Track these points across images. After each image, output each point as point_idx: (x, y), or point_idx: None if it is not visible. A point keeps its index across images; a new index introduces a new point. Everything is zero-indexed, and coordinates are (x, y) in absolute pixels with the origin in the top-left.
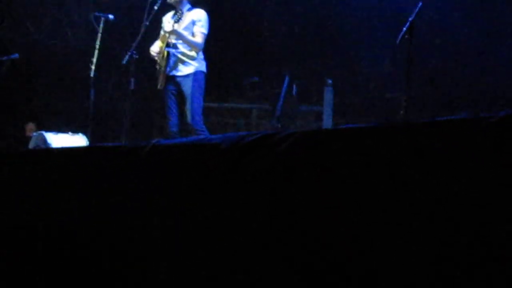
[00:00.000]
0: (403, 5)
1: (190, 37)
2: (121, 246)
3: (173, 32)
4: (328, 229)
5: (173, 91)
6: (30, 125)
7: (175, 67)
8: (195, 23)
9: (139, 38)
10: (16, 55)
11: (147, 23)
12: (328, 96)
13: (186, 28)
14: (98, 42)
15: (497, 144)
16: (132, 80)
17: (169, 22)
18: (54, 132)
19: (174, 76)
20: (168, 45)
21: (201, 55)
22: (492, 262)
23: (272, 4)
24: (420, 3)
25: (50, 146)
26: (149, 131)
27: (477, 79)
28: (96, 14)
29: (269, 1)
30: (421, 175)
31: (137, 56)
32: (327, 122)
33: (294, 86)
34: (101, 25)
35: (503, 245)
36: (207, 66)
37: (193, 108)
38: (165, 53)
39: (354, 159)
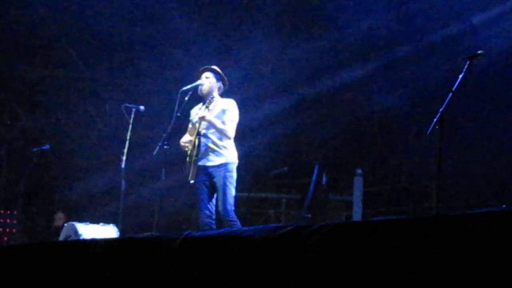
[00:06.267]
0: (433, 95)
1: (221, 125)
2: None
3: (204, 119)
4: None
5: (205, 182)
6: (59, 215)
7: (206, 156)
8: (225, 112)
9: (169, 129)
10: (47, 147)
11: (178, 114)
12: (358, 185)
13: (217, 117)
14: (129, 133)
15: None
16: (163, 170)
17: (197, 114)
18: (85, 223)
19: (206, 167)
20: (199, 133)
21: (232, 145)
22: None
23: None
24: (450, 94)
25: (81, 237)
26: (180, 221)
27: (508, 168)
28: (127, 105)
29: (297, 92)
30: (453, 269)
31: (167, 147)
32: (357, 211)
33: (324, 176)
34: (132, 116)
35: None
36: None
37: (225, 198)
38: (196, 141)
39: (386, 253)
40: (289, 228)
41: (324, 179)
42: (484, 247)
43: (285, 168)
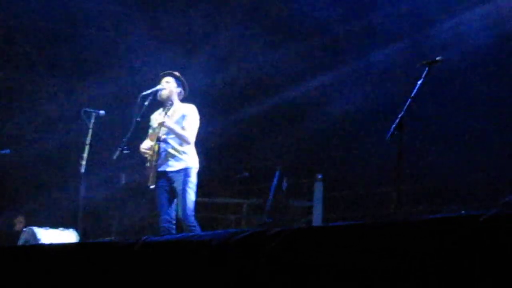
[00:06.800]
0: (393, 102)
1: (180, 131)
2: None
3: (163, 125)
4: None
5: (165, 187)
6: (20, 219)
7: (166, 161)
8: (185, 117)
9: (129, 133)
10: (7, 151)
11: (138, 119)
12: (318, 190)
13: (176, 123)
14: (88, 138)
15: (486, 241)
16: (123, 175)
17: (156, 120)
18: (44, 228)
19: (166, 172)
20: (158, 139)
21: (193, 151)
22: None
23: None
24: (410, 100)
25: (40, 242)
26: (140, 226)
27: (466, 174)
28: (87, 109)
29: (259, 98)
30: (410, 275)
31: (127, 152)
32: (317, 217)
33: (284, 181)
34: (92, 121)
35: None
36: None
37: (185, 203)
38: (156, 148)
39: (345, 258)
40: (247, 233)
41: (284, 184)
42: (445, 253)
43: (246, 174)
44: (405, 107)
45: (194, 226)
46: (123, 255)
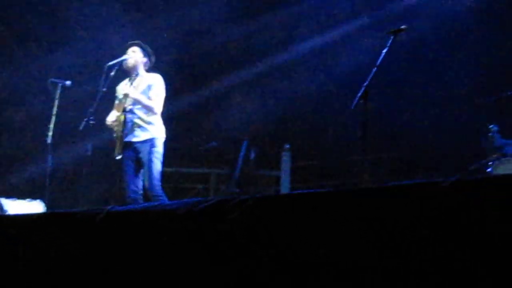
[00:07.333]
0: (360, 71)
1: (146, 101)
2: None
3: (128, 95)
4: None
5: (131, 157)
6: None
7: (132, 132)
8: (151, 87)
9: (95, 104)
10: None
11: (104, 89)
12: (285, 160)
13: (142, 93)
14: (55, 108)
15: (448, 207)
16: (89, 146)
17: (122, 90)
18: (11, 199)
19: (132, 142)
20: (124, 109)
21: (159, 120)
22: None
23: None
24: (375, 69)
25: (7, 213)
26: (107, 197)
27: (433, 142)
28: (53, 80)
29: (227, 68)
30: (372, 240)
31: (94, 122)
32: (285, 186)
33: (252, 151)
34: (58, 91)
35: None
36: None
37: (151, 174)
38: (122, 118)
39: (306, 225)
40: (211, 202)
41: (252, 154)
42: (410, 219)
43: (214, 143)
44: (370, 76)
45: (161, 196)
46: (88, 225)
